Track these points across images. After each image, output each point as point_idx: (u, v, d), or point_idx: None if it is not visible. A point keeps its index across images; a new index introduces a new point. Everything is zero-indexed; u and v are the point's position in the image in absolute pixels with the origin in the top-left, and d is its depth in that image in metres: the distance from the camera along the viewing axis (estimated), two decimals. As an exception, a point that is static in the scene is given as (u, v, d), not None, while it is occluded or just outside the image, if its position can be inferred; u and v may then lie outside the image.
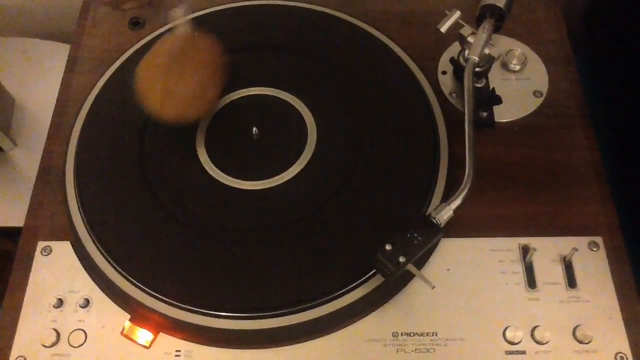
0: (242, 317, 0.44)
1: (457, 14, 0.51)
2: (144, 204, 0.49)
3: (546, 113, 0.54)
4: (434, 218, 0.44)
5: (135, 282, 0.45)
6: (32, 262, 0.47)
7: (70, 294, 0.46)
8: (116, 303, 0.46)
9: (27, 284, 0.47)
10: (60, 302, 0.46)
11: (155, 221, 0.48)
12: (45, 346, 0.44)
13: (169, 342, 0.44)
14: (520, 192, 0.50)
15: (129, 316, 0.45)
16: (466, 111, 0.48)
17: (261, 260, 0.46)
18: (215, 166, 0.51)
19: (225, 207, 0.49)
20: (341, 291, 0.44)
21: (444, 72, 0.57)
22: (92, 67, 0.58)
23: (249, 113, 0.54)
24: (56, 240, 0.48)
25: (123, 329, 0.44)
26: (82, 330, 0.45)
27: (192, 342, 0.44)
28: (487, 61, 0.52)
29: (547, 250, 0.47)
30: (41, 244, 0.48)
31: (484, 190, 0.50)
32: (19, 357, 0.44)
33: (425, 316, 0.45)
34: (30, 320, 0.45)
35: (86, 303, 0.46)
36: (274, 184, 0.50)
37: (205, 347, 0.44)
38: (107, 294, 0.46)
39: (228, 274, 0.46)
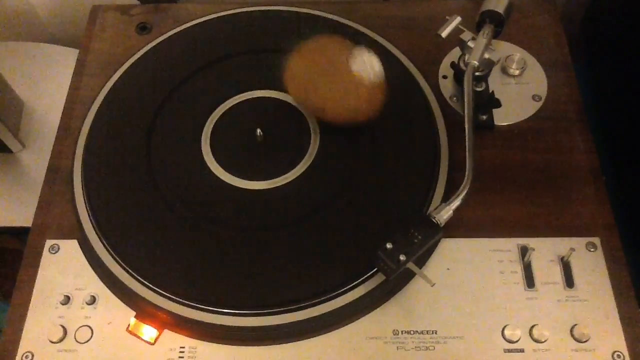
0: (245, 314, 0.44)
1: (458, 19, 0.52)
2: (150, 203, 0.50)
3: (545, 117, 0.55)
4: (434, 218, 0.44)
5: (141, 279, 0.46)
6: (40, 259, 0.48)
7: (77, 291, 0.47)
8: (122, 300, 0.46)
9: (35, 281, 0.47)
10: (67, 299, 0.46)
11: (160, 220, 0.49)
12: (52, 342, 0.45)
13: (174, 339, 0.45)
14: (519, 193, 0.51)
15: (134, 313, 0.45)
16: (466, 114, 0.49)
17: (265, 258, 0.47)
18: (220, 166, 0.52)
19: (229, 206, 0.50)
20: (343, 289, 0.45)
21: (444, 77, 0.58)
22: (100, 70, 0.59)
23: (253, 115, 0.55)
24: (64, 238, 0.49)
25: (128, 325, 0.45)
26: (88, 326, 0.45)
27: (196, 338, 0.45)
28: (487, 66, 0.53)
29: (546, 250, 0.47)
30: (49, 242, 0.49)
31: (484, 192, 0.50)
32: (26, 352, 0.45)
33: (425, 314, 0.45)
34: (37, 317, 0.46)
35: (92, 300, 0.46)
36: (277, 184, 0.50)
37: (209, 343, 0.45)
38: (113, 291, 0.47)
39: (231, 272, 0.46)
